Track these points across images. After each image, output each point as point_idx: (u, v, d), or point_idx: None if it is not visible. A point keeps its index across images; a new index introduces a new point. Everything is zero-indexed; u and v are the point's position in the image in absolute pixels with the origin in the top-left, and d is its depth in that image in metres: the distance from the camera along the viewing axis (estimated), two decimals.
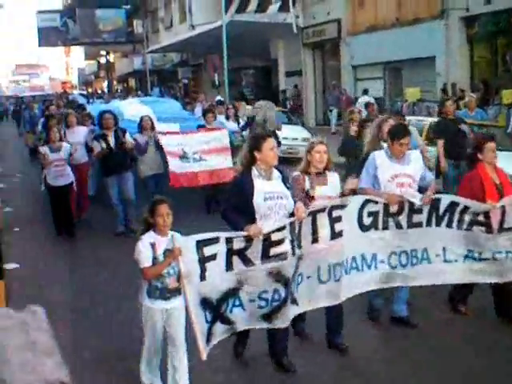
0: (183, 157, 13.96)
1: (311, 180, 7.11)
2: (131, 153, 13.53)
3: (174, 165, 13.85)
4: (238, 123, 17.07)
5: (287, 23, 32.40)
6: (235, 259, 6.36)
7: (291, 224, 6.51)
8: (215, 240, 6.27)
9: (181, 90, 51.91)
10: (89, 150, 14.17)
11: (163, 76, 58.92)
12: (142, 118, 14.31)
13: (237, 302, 6.51)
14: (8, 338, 0.72)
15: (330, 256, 6.95)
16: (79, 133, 14.49)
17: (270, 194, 6.47)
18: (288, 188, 6.75)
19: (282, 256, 6.45)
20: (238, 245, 6.33)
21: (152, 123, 14.28)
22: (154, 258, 6.05)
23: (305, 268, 6.79)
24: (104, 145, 13.02)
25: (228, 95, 29.91)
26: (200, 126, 15.24)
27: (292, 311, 6.79)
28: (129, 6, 58.97)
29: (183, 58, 52.57)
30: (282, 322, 6.65)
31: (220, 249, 6.28)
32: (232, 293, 6.45)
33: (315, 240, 6.81)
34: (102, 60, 75.83)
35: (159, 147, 13.92)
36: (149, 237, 6.12)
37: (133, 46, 61.92)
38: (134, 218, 12.53)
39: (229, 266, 6.36)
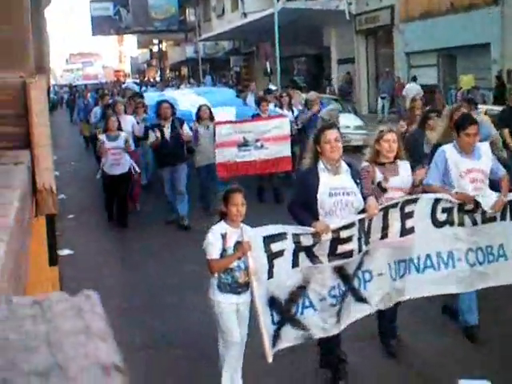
0: (243, 144, 13.66)
1: (382, 171, 6.81)
2: (188, 144, 13.35)
3: (226, 155, 13.48)
4: (292, 112, 16.42)
5: (340, 10, 32.20)
6: (301, 256, 6.07)
7: (361, 221, 6.19)
8: (283, 236, 5.98)
9: (233, 78, 51.95)
10: (138, 138, 14.21)
11: (215, 64, 59.04)
12: (200, 108, 14.01)
13: (307, 303, 6.17)
14: (62, 321, 0.72)
15: (398, 252, 6.60)
16: (126, 121, 14.38)
17: (335, 190, 6.14)
18: (358, 183, 6.33)
19: (348, 254, 6.16)
20: (305, 241, 6.03)
21: (210, 112, 13.96)
22: (223, 250, 5.84)
23: (372, 265, 6.47)
24: (158, 134, 12.80)
25: (280, 83, 29.82)
26: (254, 116, 14.93)
27: (360, 310, 6.47)
28: None
29: (235, 46, 52.60)
30: (347, 318, 6.36)
31: (288, 245, 5.99)
32: (299, 292, 6.13)
33: (384, 235, 6.47)
34: (155, 48, 76.16)
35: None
36: (220, 227, 5.91)
37: (185, 34, 62.08)
38: (185, 213, 12.70)
39: (295, 262, 6.07)
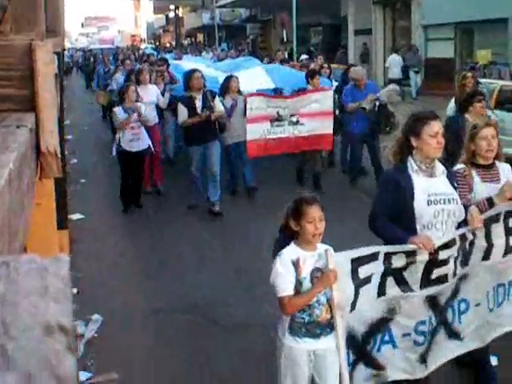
0: (277, 119, 12.17)
1: (481, 174, 5.60)
2: (222, 120, 11.82)
3: (258, 131, 12.00)
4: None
5: None
6: (389, 282, 4.85)
7: (462, 237, 5.05)
8: (374, 257, 4.77)
9: (248, 45, 51.72)
10: (161, 110, 13.51)
11: (231, 31, 58.75)
12: (228, 78, 12.62)
13: (386, 337, 4.99)
14: (23, 282, 0.73)
15: (497, 275, 5.43)
16: (151, 91, 13.21)
17: (434, 197, 4.91)
18: (455, 187, 5.13)
19: (442, 278, 4.97)
20: (396, 263, 4.80)
21: (238, 85, 12.50)
22: (298, 282, 4.47)
23: (469, 292, 5.29)
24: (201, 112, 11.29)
25: (296, 52, 29.59)
26: (299, 90, 13.16)
27: (453, 349, 5.32)
28: None
29: (252, 13, 52.33)
30: (437, 359, 5.18)
31: (377, 268, 4.78)
32: (381, 325, 4.95)
33: (487, 256, 5.28)
34: (171, 14, 75.79)
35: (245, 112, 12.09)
36: (290, 252, 4.53)
37: (202, 0, 61.77)
38: (217, 198, 11.55)
39: (381, 290, 4.85)
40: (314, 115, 12.30)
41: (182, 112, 11.42)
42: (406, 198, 4.87)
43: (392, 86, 14.77)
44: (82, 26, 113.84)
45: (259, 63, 17.50)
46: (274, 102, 12.29)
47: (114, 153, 11.73)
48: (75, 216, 11.14)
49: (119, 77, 17.04)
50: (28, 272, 0.81)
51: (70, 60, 50.86)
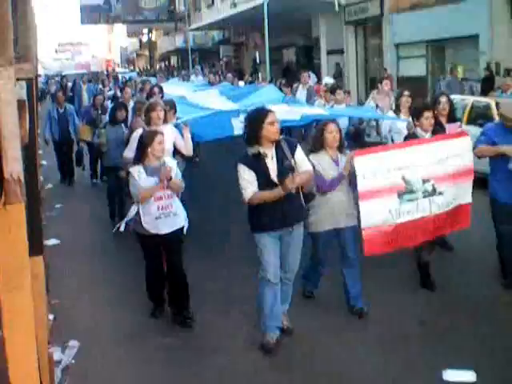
0: (406, 190, 7.53)
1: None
2: (309, 190, 7.11)
3: (381, 212, 7.44)
4: None
5: (329, 1, 32.14)
6: None
7: None
8: None
9: (222, 67, 51.91)
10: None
11: (205, 54, 59.00)
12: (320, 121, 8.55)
13: None
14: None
15: None
16: (169, 135, 9.16)
17: None
18: None
19: None
20: None
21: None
22: None
23: None
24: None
25: (270, 73, 29.73)
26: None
27: None
28: None
29: (225, 35, 52.61)
30: None
31: None
32: None
33: None
34: (144, 38, 76.07)
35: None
36: None
37: (175, 24, 61.99)
38: (287, 306, 7.38)
39: None
40: (455, 177, 7.87)
41: (248, 179, 6.66)
42: None
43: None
44: (56, 52, 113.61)
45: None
46: (393, 160, 7.54)
47: (123, 228, 7.77)
48: (51, 241, 11.08)
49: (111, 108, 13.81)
50: None
51: (45, 87, 50.38)
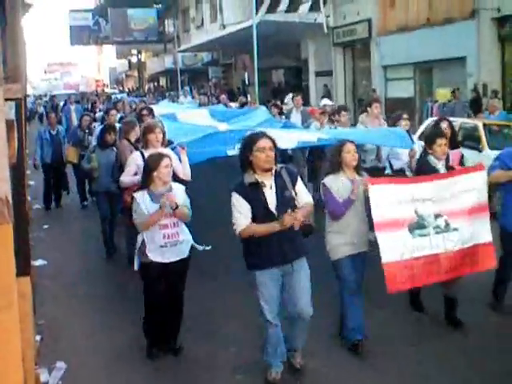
0: (418, 224, 7.20)
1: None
2: (307, 222, 6.59)
3: (396, 244, 7.08)
4: None
5: (318, 23, 32.31)
6: None
7: None
8: None
9: (211, 88, 52.07)
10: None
11: (194, 75, 59.16)
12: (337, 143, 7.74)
13: None
14: None
15: None
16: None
17: None
18: None
19: None
20: None
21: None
22: None
23: None
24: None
25: (258, 95, 29.83)
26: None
27: None
28: (160, 6, 59.78)
29: (214, 57, 52.78)
30: None
31: None
32: None
33: None
34: (133, 59, 76.24)
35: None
36: None
37: (164, 45, 62.21)
38: (302, 344, 6.86)
39: None
40: (470, 212, 7.48)
41: (241, 210, 6.21)
42: None
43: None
44: (45, 72, 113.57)
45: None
46: (407, 192, 7.22)
47: (137, 266, 7.14)
48: (38, 262, 11.03)
49: (99, 129, 13.50)
50: None
51: (33, 106, 50.34)
